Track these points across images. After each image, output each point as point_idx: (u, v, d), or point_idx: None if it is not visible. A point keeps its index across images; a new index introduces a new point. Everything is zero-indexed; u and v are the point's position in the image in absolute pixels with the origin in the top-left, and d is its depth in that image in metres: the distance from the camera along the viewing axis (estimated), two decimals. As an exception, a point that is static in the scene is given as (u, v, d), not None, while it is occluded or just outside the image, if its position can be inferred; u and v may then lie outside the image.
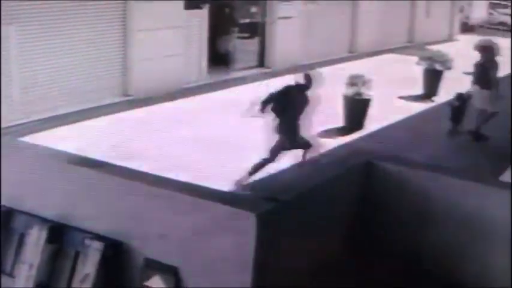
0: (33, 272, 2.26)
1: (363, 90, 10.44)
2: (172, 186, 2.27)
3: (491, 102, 10.26)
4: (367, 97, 10.49)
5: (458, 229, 2.67)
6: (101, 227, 2.25)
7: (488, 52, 10.59)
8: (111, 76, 11.37)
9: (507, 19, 34.36)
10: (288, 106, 7.84)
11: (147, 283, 2.15)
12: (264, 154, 7.73)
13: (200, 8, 13.21)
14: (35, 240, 2.28)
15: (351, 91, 10.48)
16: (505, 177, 8.20)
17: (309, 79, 8.17)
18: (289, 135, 7.83)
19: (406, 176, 2.78)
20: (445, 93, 13.72)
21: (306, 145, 8.00)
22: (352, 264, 2.61)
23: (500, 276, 2.65)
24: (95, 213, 2.29)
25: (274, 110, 7.77)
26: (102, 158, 2.55)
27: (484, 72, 10.31)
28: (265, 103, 7.77)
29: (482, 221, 2.63)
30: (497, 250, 2.63)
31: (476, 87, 10.45)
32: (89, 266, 2.20)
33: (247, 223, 2.06)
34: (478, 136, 10.42)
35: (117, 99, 11.28)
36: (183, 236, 2.15)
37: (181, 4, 12.48)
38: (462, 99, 10.72)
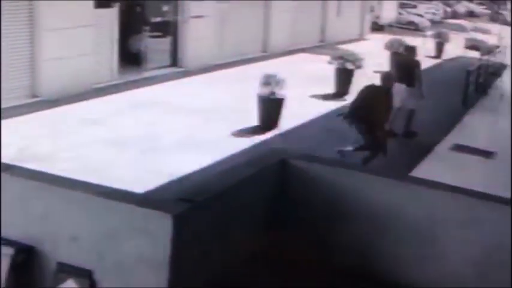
0: None
1: (277, 89, 10.60)
2: (85, 189, 2.25)
3: (412, 100, 10.83)
4: (280, 96, 10.67)
5: (371, 222, 2.81)
6: (11, 232, 2.19)
7: (410, 52, 11.43)
8: (18, 77, 10.91)
9: (415, 18, 36.11)
10: (364, 107, 8.34)
11: (60, 287, 2.12)
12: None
13: (110, 6, 12.94)
14: None
15: (265, 91, 10.62)
16: (417, 172, 8.63)
17: (387, 78, 8.81)
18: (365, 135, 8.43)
19: (320, 173, 2.89)
20: (357, 91, 14.23)
21: (377, 148, 8.41)
22: (268, 261, 2.68)
23: (408, 267, 2.81)
24: (4, 217, 2.22)
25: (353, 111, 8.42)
26: (10, 161, 2.47)
27: (406, 71, 10.85)
28: (351, 111, 8.39)
29: (394, 215, 2.78)
30: (408, 242, 2.79)
31: (398, 86, 10.73)
32: (-2, 272, 2.13)
33: (163, 224, 2.08)
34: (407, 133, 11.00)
35: (24, 101, 10.85)
36: (96, 238, 2.14)
37: (91, 3, 12.17)
38: None
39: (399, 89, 10.63)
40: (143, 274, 2.11)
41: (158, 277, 2.08)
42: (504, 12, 50.32)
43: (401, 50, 17.09)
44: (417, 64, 11.03)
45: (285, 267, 2.64)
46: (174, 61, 15.53)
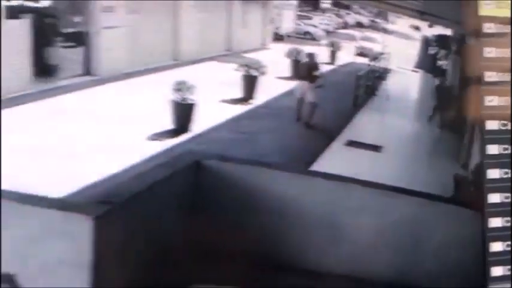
0: None
1: (188, 95, 10.61)
2: (3, 196, 2.15)
3: (312, 94, 12.56)
4: (191, 101, 10.69)
5: (277, 213, 2.88)
6: None
7: (311, 57, 13.67)
8: None
9: (311, 29, 37.14)
10: None
11: (-17, 294, 2.02)
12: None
13: (22, 17, 12.35)
14: None
15: (177, 96, 10.61)
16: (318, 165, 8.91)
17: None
18: None
19: (231, 171, 2.93)
20: (261, 96, 14.49)
21: None
22: (186, 256, 2.68)
23: (312, 252, 2.91)
24: None
25: None
26: None
27: (308, 71, 12.91)
28: None
29: (296, 205, 2.86)
30: (310, 230, 2.88)
31: (302, 83, 12.81)
32: None
33: (84, 226, 2.03)
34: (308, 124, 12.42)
35: None
36: (17, 243, 2.05)
37: (1, 13, 11.55)
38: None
39: (302, 86, 12.59)
40: (66, 275, 2.05)
41: (81, 277, 2.04)
42: (378, 20, 52.91)
43: (299, 57, 17.77)
44: (316, 65, 13.19)
45: (203, 261, 2.66)
46: (87, 70, 15.07)
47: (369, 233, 2.86)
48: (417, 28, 45.67)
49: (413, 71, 22.13)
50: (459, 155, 10.26)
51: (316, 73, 12.98)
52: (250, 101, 14.32)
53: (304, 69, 13.22)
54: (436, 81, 15.60)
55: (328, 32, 38.59)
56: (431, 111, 14.79)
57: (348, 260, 2.84)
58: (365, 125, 13.49)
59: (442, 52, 17.91)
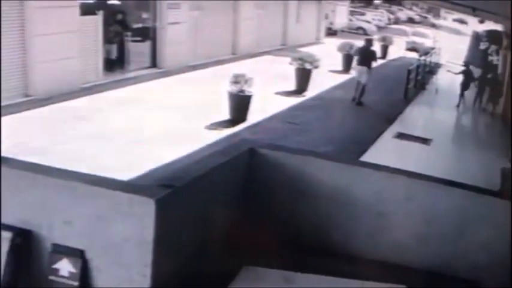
0: None
1: (245, 87, 10.62)
2: (75, 178, 2.22)
3: (367, 77, 13.10)
4: (248, 93, 10.70)
5: (327, 201, 2.85)
6: (9, 218, 2.15)
7: (369, 42, 13.78)
8: (12, 78, 10.63)
9: (364, 24, 36.45)
10: None
11: (56, 266, 2.10)
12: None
13: (95, 13, 12.71)
14: None
15: (234, 88, 10.63)
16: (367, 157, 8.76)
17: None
18: None
19: (283, 159, 2.92)
20: (314, 88, 14.36)
21: None
22: (240, 238, 2.69)
23: (360, 239, 2.86)
24: (3, 205, 2.18)
25: None
26: (7, 155, 2.42)
27: (365, 57, 13.26)
28: None
29: (346, 194, 2.82)
30: (359, 218, 2.84)
31: (358, 67, 13.32)
32: (-2, 254, 2.09)
33: (147, 208, 2.07)
34: (359, 102, 13.14)
35: (18, 100, 10.59)
36: (87, 221, 2.12)
37: (77, 10, 11.92)
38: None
39: (361, 70, 13.08)
40: (130, 252, 2.10)
41: (144, 255, 2.08)
42: (428, 16, 51.32)
43: (352, 52, 17.47)
44: (374, 52, 13.54)
45: (254, 244, 2.66)
46: (154, 63, 15.36)
47: (415, 223, 2.78)
48: (463, 22, 43.98)
49: (462, 65, 21.42)
50: (508, 149, 9.84)
51: (373, 58, 13.22)
52: (304, 93, 14.21)
53: (361, 53, 13.44)
54: (462, 75, 15.26)
55: (380, 27, 37.81)
56: (476, 97, 14.46)
57: (394, 248, 2.78)
58: (415, 117, 13.15)
59: (493, 47, 17.20)
